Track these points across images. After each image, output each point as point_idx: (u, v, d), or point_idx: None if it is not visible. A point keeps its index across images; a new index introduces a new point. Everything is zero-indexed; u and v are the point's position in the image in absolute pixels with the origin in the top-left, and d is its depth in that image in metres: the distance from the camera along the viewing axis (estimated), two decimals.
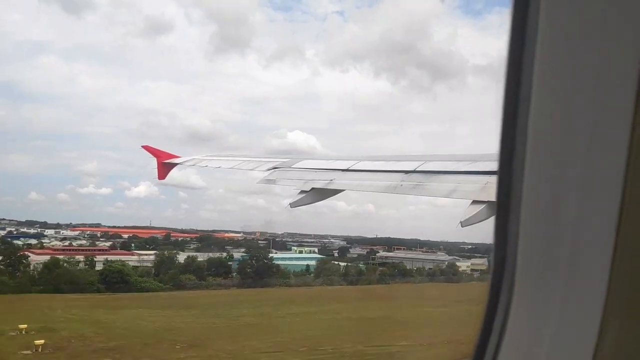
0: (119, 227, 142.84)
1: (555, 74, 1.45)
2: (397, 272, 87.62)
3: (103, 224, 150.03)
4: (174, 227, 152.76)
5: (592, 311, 1.44)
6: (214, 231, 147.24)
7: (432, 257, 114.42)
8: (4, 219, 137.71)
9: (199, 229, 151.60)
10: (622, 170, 1.34)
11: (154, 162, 14.52)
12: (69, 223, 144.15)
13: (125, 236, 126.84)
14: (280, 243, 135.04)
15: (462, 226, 6.14)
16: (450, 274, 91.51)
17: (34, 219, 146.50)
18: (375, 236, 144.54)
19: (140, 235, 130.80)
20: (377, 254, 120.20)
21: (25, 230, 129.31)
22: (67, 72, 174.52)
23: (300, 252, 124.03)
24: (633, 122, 1.31)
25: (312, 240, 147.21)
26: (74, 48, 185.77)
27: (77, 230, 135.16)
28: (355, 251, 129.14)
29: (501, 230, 1.65)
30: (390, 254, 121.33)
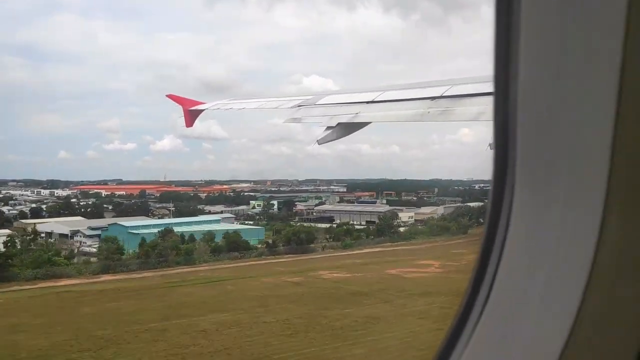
0: (130, 183, 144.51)
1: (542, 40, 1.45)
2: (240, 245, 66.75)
3: (124, 179, 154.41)
4: (198, 179, 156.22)
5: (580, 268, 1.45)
6: (229, 181, 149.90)
7: (370, 208, 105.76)
8: (13, 180, 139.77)
9: (218, 179, 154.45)
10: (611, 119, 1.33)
11: (176, 114, 14.73)
12: (80, 180, 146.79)
13: (104, 194, 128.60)
14: (243, 197, 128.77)
15: (491, 149, 6.11)
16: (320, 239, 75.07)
17: (62, 178, 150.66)
18: (383, 178, 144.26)
19: (130, 191, 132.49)
20: (316, 207, 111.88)
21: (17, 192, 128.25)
22: (86, 29, 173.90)
23: (257, 206, 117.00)
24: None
25: (310, 187, 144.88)
26: (90, 3, 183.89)
27: (76, 189, 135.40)
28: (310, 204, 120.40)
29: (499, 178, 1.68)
30: (329, 207, 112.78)
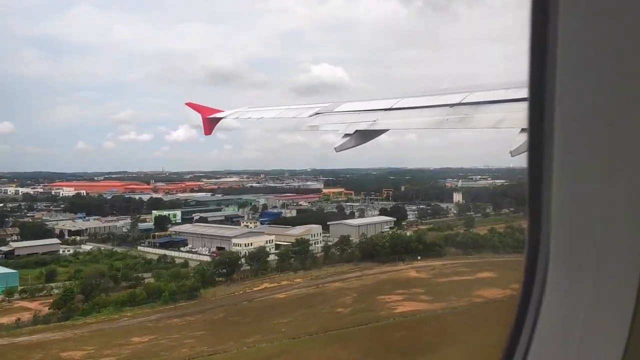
0: (131, 178, 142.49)
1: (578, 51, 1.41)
2: None
3: (129, 171, 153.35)
4: (213, 169, 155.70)
5: (625, 293, 1.43)
6: (229, 173, 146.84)
7: (222, 232, 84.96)
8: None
9: (234, 169, 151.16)
10: None
11: (186, 108, 15.01)
12: (78, 172, 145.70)
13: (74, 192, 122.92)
14: (163, 203, 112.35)
15: (511, 156, 6.03)
16: None
17: (83, 171, 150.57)
18: (390, 168, 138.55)
19: (103, 189, 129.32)
20: (171, 227, 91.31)
21: None
22: (102, 21, 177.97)
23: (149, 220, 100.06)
24: None
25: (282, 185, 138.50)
26: None
27: (52, 185, 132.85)
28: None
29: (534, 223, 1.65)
30: (186, 227, 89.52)
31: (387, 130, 9.28)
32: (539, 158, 1.57)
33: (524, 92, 7.02)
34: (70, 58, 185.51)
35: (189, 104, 15.25)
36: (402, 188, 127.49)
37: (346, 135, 9.19)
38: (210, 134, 14.70)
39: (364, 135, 9.16)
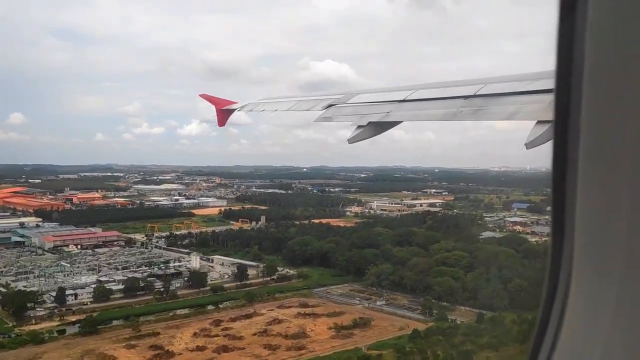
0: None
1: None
2: None
3: (114, 165, 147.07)
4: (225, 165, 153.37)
5: None
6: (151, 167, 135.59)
7: None
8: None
9: (245, 164, 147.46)
10: None
11: (199, 98, 15.09)
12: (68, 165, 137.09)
13: None
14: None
15: (527, 148, 5.99)
16: None
17: (99, 163, 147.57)
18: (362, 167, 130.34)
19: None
20: None
21: None
22: (123, 11, 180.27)
23: None
24: None
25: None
26: None
27: None
28: None
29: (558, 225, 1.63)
30: None
31: (400, 122, 9.26)
32: (564, 154, 1.53)
33: (538, 84, 6.95)
34: (92, 48, 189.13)
35: (203, 96, 15.34)
36: (262, 219, 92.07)
37: (359, 127, 9.19)
38: (224, 125, 14.79)
39: (377, 127, 9.15)
